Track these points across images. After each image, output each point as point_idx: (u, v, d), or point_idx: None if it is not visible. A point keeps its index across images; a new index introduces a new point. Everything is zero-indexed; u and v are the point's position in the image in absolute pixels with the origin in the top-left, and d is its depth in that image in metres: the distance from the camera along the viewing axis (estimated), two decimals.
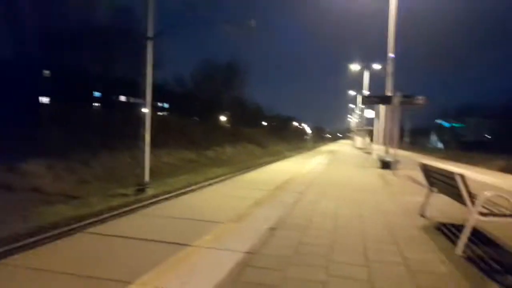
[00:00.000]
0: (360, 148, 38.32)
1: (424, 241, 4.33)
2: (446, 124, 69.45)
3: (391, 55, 13.84)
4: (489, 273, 3.30)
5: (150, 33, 16.65)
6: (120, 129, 23.62)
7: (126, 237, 4.13)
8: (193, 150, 32.33)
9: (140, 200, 13.23)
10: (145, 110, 15.67)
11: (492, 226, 4.74)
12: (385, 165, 13.94)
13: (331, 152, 32.66)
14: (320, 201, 6.83)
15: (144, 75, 16.77)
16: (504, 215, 3.70)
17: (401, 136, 57.65)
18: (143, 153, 16.47)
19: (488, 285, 3.05)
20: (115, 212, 10.82)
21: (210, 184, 15.64)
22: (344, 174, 12.45)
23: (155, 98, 15.76)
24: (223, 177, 19.52)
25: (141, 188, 15.40)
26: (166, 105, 53.06)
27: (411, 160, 20.73)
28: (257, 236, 4.26)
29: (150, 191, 15.26)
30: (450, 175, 4.18)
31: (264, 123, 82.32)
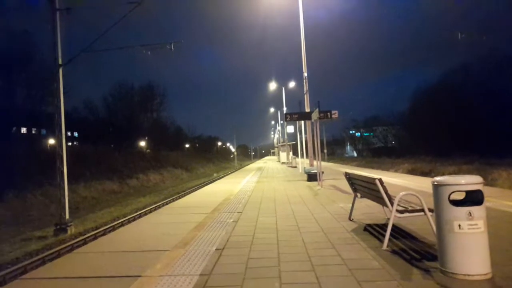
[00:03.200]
0: (285, 163, 40.00)
1: (355, 242, 4.87)
2: (357, 134, 76.02)
3: (305, 74, 15.06)
4: (411, 261, 3.89)
5: (60, 60, 15.75)
6: (25, 165, 21.38)
7: (71, 277, 3.95)
8: (115, 180, 30.59)
9: (64, 241, 12.20)
10: (58, 140, 14.58)
11: (408, 221, 5.52)
12: (311, 177, 14.91)
13: (259, 169, 33.56)
14: (258, 217, 7.15)
15: (56, 104, 15.67)
16: (416, 211, 4.40)
17: (322, 148, 61.67)
18: (61, 189, 15.22)
19: (410, 270, 3.61)
20: (37, 257, 9.87)
21: (140, 216, 15.06)
22: (275, 189, 13.03)
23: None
24: (153, 206, 18.87)
25: (61, 227, 14.15)
26: (75, 134, 49.42)
27: (333, 170, 22.38)
28: (207, 258, 4.39)
29: (72, 230, 14.11)
30: (370, 181, 4.82)
31: (187, 145, 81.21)
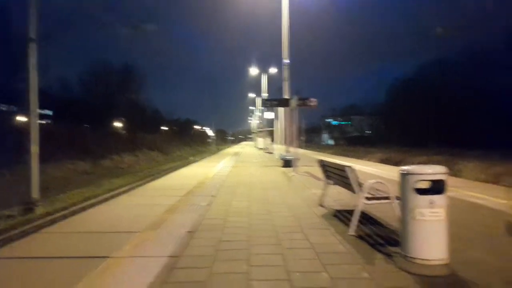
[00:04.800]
0: (262, 149, 40.17)
1: (324, 227, 5.00)
2: (334, 122, 77.11)
3: (285, 61, 15.02)
4: (375, 246, 4.04)
5: (32, 34, 15.04)
6: None
7: (35, 257, 3.88)
8: (87, 161, 29.85)
9: (31, 220, 11.89)
10: (30, 118, 14.09)
11: (376, 208, 5.69)
12: (287, 163, 15.06)
13: (235, 154, 33.59)
14: (232, 201, 7.20)
15: (27, 80, 15.06)
16: (383, 198, 4.54)
17: (299, 135, 62.25)
18: (30, 168, 14.76)
19: (374, 255, 3.75)
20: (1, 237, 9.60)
21: (113, 196, 14.81)
22: (250, 174, 13.10)
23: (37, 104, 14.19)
24: (126, 187, 18.62)
25: (29, 207, 13.78)
26: (49, 112, 47.61)
27: (308, 157, 22.66)
28: (178, 240, 4.40)
29: (41, 209, 13.75)
30: (342, 168, 4.92)
31: (165, 128, 80.00)
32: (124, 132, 51.50)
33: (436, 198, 3.14)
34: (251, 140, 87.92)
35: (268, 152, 32.33)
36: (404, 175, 3.25)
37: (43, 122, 44.72)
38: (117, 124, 52.49)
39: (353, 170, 4.63)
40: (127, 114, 52.46)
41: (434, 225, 3.14)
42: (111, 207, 7.37)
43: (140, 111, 56.47)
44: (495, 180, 10.60)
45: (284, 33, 14.90)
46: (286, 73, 15.02)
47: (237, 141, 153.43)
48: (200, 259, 3.73)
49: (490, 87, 28.60)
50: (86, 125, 43.88)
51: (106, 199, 14.54)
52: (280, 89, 16.91)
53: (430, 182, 3.29)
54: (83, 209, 12.56)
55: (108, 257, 3.80)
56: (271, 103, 14.94)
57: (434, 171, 3.19)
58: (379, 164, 18.10)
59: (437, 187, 3.21)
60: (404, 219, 3.31)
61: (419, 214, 3.15)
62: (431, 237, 3.17)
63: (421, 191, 3.21)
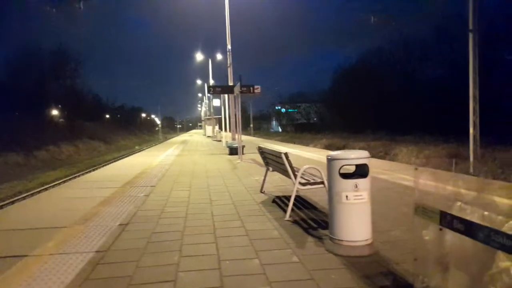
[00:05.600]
0: (210, 137, 39.80)
1: (262, 213, 5.04)
2: (283, 110, 78.40)
3: (228, 47, 14.84)
4: (308, 230, 4.15)
5: None
6: None
7: None
8: (19, 152, 27.61)
9: None
10: None
11: (312, 193, 5.85)
12: (233, 151, 15.05)
13: (183, 142, 32.94)
14: (172, 191, 7.02)
15: None
16: (317, 183, 4.66)
17: (247, 123, 62.57)
18: None
19: (306, 238, 3.84)
20: None
21: (46, 189, 13.89)
22: (195, 162, 12.90)
23: None
24: (62, 180, 17.55)
25: None
26: None
27: (255, 145, 22.81)
28: (107, 234, 4.19)
29: None
30: (278, 155, 4.97)
31: (107, 116, 76.19)
32: (61, 120, 48.22)
33: (360, 181, 3.26)
34: (200, 128, 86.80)
35: (216, 140, 32.11)
36: (330, 160, 3.33)
37: None
38: (54, 112, 48.96)
39: (287, 156, 4.69)
40: (63, 101, 48.93)
41: (359, 207, 3.27)
42: (41, 202, 6.85)
43: (77, 97, 52.90)
44: (426, 163, 11.45)
45: (227, 19, 14.69)
46: (229, 60, 14.86)
47: (186, 129, 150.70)
48: (128, 252, 3.57)
49: (421, 77, 30.68)
50: (15, 113, 40.39)
51: (37, 192, 13.58)
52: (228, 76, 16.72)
53: (354, 167, 3.41)
54: (12, 202, 11.63)
55: (26, 255, 3.51)
56: (215, 90, 14.73)
57: (358, 155, 3.31)
58: (323, 150, 18.73)
59: (361, 171, 3.34)
60: (331, 203, 3.41)
61: (344, 197, 3.25)
62: (355, 219, 3.29)
63: (346, 176, 3.32)
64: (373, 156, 14.74)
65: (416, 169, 2.38)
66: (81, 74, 53.28)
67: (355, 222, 3.30)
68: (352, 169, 3.44)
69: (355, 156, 3.32)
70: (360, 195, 3.25)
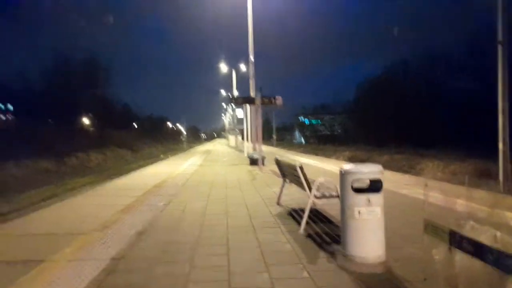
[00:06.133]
0: (233, 147, 40.08)
1: (276, 225, 5.02)
2: (306, 121, 78.06)
3: (251, 58, 15.01)
4: (321, 244, 4.09)
5: None
6: None
7: None
8: (50, 159, 28.69)
9: None
10: None
11: (330, 206, 5.76)
12: (253, 161, 15.08)
13: (206, 152, 33.34)
14: (191, 201, 7.11)
15: None
16: (332, 196, 4.60)
17: (270, 133, 62.62)
18: None
19: (318, 253, 3.79)
20: None
21: (73, 195, 14.32)
22: (216, 172, 13.02)
23: None
24: (88, 186, 18.05)
25: None
26: (10, 107, 45.39)
27: (277, 155, 22.82)
28: (124, 242, 4.28)
29: None
30: (293, 167, 4.95)
31: (135, 125, 78.24)
32: (91, 128, 49.91)
33: (373, 196, 3.20)
34: (224, 138, 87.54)
35: (239, 150, 32.29)
36: (343, 175, 3.30)
37: (3, 117, 42.58)
38: (84, 121, 50.79)
39: (302, 169, 4.67)
40: (94, 110, 50.69)
41: (371, 223, 3.21)
42: (64, 208, 7.09)
43: (108, 106, 54.68)
44: (451, 178, 11.06)
45: (250, 31, 14.89)
46: (252, 71, 15.02)
47: (210, 138, 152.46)
48: (142, 261, 3.64)
49: (449, 89, 29.87)
50: (49, 121, 42.12)
51: (64, 198, 14.01)
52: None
53: (368, 181, 3.35)
54: (39, 208, 12.03)
55: (44, 260, 3.64)
56: (238, 101, 14.89)
57: (370, 170, 3.26)
58: (346, 162, 18.46)
59: (374, 186, 3.28)
60: (343, 218, 3.36)
61: (357, 212, 3.20)
62: (368, 235, 3.23)
63: (359, 190, 3.27)
64: (396, 170, 14.39)
65: (426, 185, 2.33)
66: (111, 84, 55.16)
67: (368, 238, 3.23)
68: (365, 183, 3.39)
69: (368, 170, 3.27)
70: (373, 210, 3.19)
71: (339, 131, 63.58)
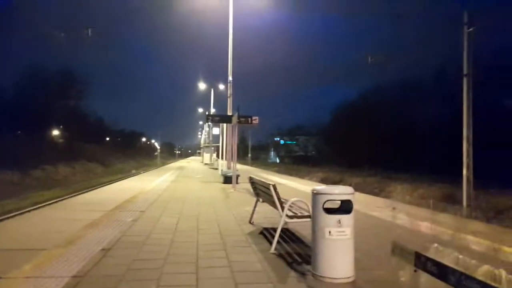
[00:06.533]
0: (207, 164, 39.72)
1: (247, 244, 4.96)
2: (281, 141, 78.77)
3: (230, 78, 15.14)
4: (292, 264, 4.07)
5: None
6: None
7: None
8: (15, 170, 27.45)
9: None
10: None
11: (302, 226, 5.77)
12: (227, 179, 14.96)
13: (180, 168, 32.88)
14: (161, 217, 6.94)
15: None
16: (303, 216, 4.62)
17: (246, 152, 62.67)
18: None
19: (288, 273, 3.77)
20: None
21: (36, 209, 13.69)
22: (189, 189, 12.82)
23: None
24: (54, 200, 17.31)
25: None
26: None
27: (252, 174, 22.78)
28: (88, 259, 4.10)
29: None
30: (267, 186, 4.95)
31: (108, 139, 76.39)
32: (61, 140, 48.29)
33: (343, 217, 3.24)
34: (199, 155, 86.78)
35: (213, 168, 32.03)
36: (315, 195, 3.33)
37: None
38: (55, 132, 49.11)
39: (275, 188, 4.68)
40: (66, 122, 49.18)
41: (341, 244, 3.23)
42: (27, 222, 6.76)
43: (80, 119, 53.25)
44: (419, 201, 11.37)
45: (230, 51, 15.09)
46: (230, 90, 15.13)
47: (185, 155, 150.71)
48: (105, 279, 3.49)
49: (419, 116, 31.12)
50: (18, 132, 40.54)
51: (27, 211, 13.34)
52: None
53: (339, 202, 3.40)
54: None
55: (0, 277, 3.42)
56: (214, 119, 14.89)
57: (341, 191, 3.31)
58: (318, 183, 18.67)
59: (345, 207, 3.33)
60: (314, 238, 3.37)
61: (327, 232, 3.22)
62: (338, 256, 3.25)
63: (331, 211, 3.30)
64: (368, 192, 14.65)
65: (394, 208, 2.38)
66: (85, 96, 53.81)
67: (338, 259, 3.25)
68: (336, 204, 3.43)
69: (339, 191, 3.32)
70: (343, 231, 3.22)
71: (313, 152, 64.48)
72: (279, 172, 32.85)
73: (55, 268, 3.76)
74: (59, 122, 48.92)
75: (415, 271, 2.02)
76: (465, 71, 12.04)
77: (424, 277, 1.96)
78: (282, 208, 4.61)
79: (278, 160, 74.86)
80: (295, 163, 54.14)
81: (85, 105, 56.29)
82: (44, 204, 15.15)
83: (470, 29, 12.04)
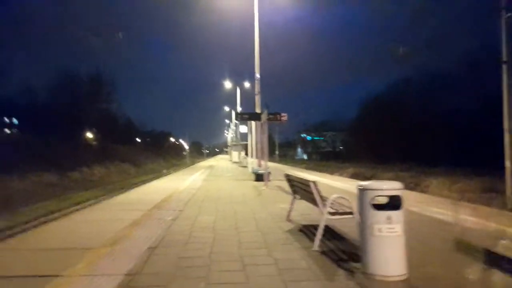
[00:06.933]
0: (236, 162, 40.02)
1: (289, 242, 4.95)
2: (308, 138, 78.14)
3: (257, 75, 15.15)
4: (338, 262, 4.02)
5: None
6: None
7: None
8: (54, 172, 28.67)
9: None
10: None
11: (342, 223, 5.70)
12: (258, 177, 15.02)
13: (209, 167, 33.30)
14: (198, 216, 7.05)
15: None
16: (346, 213, 4.56)
17: (273, 149, 62.64)
18: None
19: (335, 271, 3.73)
20: None
21: (77, 210, 14.24)
22: (220, 188, 12.95)
23: None
24: (93, 201, 17.99)
25: None
26: (15, 121, 45.72)
27: (281, 172, 22.70)
28: (137, 257, 4.22)
29: None
30: (306, 183, 4.92)
31: (138, 140, 78.44)
32: (95, 143, 50.01)
33: (393, 213, 3.17)
34: (226, 154, 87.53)
35: (242, 166, 32.22)
36: (362, 191, 3.28)
37: (8, 131, 42.79)
38: (88, 135, 50.96)
39: (316, 185, 4.64)
40: (98, 124, 50.96)
41: (392, 241, 3.17)
42: (71, 222, 7.04)
43: (111, 121, 55.01)
44: (459, 196, 10.96)
45: (256, 49, 15.08)
46: (257, 88, 15.14)
47: (213, 154, 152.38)
48: (157, 277, 3.58)
49: (450, 108, 30.03)
50: (53, 135, 42.34)
51: (70, 212, 13.93)
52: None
53: (387, 198, 3.33)
54: (45, 222, 11.94)
55: (58, 275, 3.58)
56: (243, 117, 14.96)
57: (391, 187, 3.24)
58: (349, 179, 18.38)
59: (394, 203, 3.25)
60: (362, 235, 3.31)
61: (377, 230, 3.16)
62: (389, 253, 3.18)
63: (379, 207, 3.24)
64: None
65: (453, 203, 2.30)
66: (115, 99, 55.51)
67: (389, 256, 3.18)
68: (383, 200, 3.36)
69: (387, 187, 3.25)
70: (393, 228, 3.15)
71: (341, 147, 63.55)
72: (308, 168, 32.64)
73: (106, 267, 3.90)
74: (92, 125, 50.75)
75: (485, 268, 1.94)
76: (504, 58, 11.45)
77: (496, 274, 1.88)
78: (324, 205, 4.57)
79: (305, 157, 74.31)
80: (323, 159, 53.62)
81: (115, 108, 58.02)
82: (84, 204, 15.74)
83: (509, 14, 11.44)
